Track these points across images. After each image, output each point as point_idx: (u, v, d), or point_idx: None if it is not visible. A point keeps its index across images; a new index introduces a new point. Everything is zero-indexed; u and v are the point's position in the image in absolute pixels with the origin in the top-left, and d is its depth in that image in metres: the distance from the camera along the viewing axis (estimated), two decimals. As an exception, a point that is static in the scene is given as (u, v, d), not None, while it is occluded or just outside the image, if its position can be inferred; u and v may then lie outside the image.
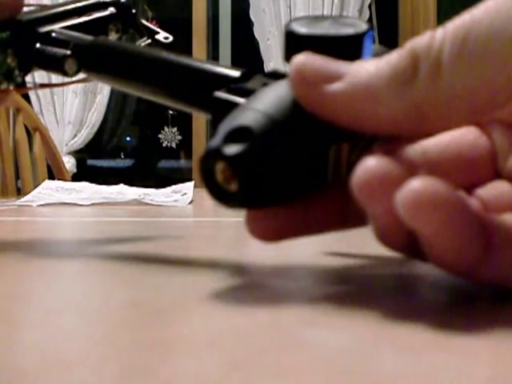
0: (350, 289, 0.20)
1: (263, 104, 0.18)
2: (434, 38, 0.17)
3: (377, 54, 0.21)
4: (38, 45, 0.31)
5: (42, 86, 0.38)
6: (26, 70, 0.32)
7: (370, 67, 0.17)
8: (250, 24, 2.32)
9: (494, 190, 0.21)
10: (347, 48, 0.19)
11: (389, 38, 2.25)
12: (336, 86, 0.17)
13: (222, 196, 0.18)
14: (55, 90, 2.52)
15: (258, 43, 2.30)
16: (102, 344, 0.13)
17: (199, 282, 0.20)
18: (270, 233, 0.20)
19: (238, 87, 0.22)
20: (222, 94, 0.22)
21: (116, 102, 2.83)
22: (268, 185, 0.18)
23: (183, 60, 0.27)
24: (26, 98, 2.13)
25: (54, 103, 2.53)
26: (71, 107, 2.50)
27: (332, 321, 0.15)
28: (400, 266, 0.25)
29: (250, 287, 0.21)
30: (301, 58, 0.18)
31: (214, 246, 0.35)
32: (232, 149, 0.17)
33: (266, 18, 2.30)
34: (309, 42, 0.20)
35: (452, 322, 0.15)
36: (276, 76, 0.23)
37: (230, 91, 0.22)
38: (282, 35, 0.22)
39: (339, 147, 0.19)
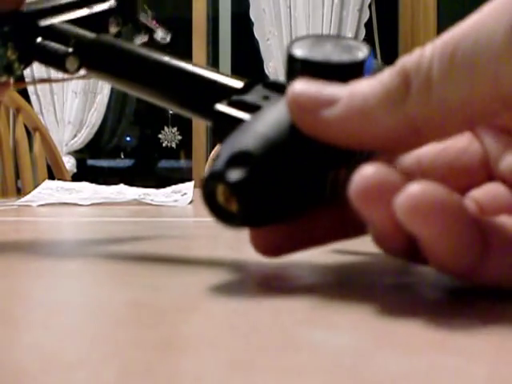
0: (350, 288, 0.20)
1: (264, 127, 0.19)
2: (423, 55, 0.17)
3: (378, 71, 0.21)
4: (39, 39, 0.31)
5: (42, 81, 0.38)
6: (27, 64, 0.32)
7: (363, 89, 0.18)
8: (249, 24, 2.32)
9: (488, 191, 0.21)
10: (348, 74, 0.19)
11: (389, 38, 2.25)
12: (332, 111, 0.18)
13: (223, 216, 0.19)
14: (55, 90, 2.52)
15: (257, 43, 2.30)
16: (102, 344, 0.13)
17: (199, 282, 0.20)
18: (273, 248, 0.21)
19: (239, 100, 0.22)
20: (223, 107, 0.22)
21: (116, 102, 2.83)
22: (267, 207, 0.19)
23: (186, 66, 0.27)
24: (26, 97, 2.13)
25: (54, 103, 2.53)
26: (71, 107, 2.50)
27: (332, 321, 0.15)
28: (400, 265, 0.25)
29: (250, 287, 0.21)
30: (297, 86, 0.19)
31: (214, 246, 0.35)
32: (233, 175, 0.18)
33: (266, 18, 2.30)
34: (310, 67, 0.21)
35: (452, 322, 0.15)
36: (276, 87, 0.23)
37: (230, 104, 0.22)
38: (285, 56, 0.22)
39: (337, 171, 0.20)
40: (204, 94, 0.26)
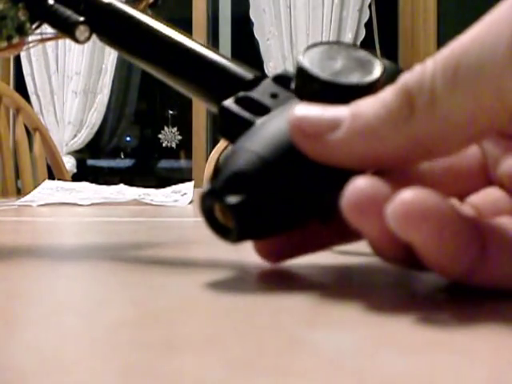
0: (350, 288, 0.20)
1: (263, 148, 0.19)
2: (424, 71, 0.17)
3: (388, 73, 0.21)
4: (50, 0, 0.31)
5: (43, 40, 0.37)
6: (38, 25, 0.32)
7: (365, 110, 0.18)
8: (249, 24, 2.32)
9: (486, 196, 0.21)
10: (357, 95, 0.19)
11: (389, 38, 2.25)
12: (335, 135, 0.18)
13: (221, 230, 0.20)
14: (55, 90, 2.52)
15: (257, 43, 2.30)
16: (102, 344, 0.13)
17: (199, 282, 0.20)
18: (275, 255, 0.22)
19: (246, 98, 0.22)
20: (230, 105, 0.22)
21: (116, 102, 2.83)
22: (263, 226, 0.20)
23: (198, 48, 0.27)
24: (26, 98, 2.13)
25: (54, 103, 2.52)
26: (71, 107, 2.50)
27: (332, 320, 0.15)
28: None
29: (250, 287, 0.21)
30: (298, 111, 0.19)
31: (214, 246, 0.34)
32: (230, 198, 0.19)
33: (266, 18, 2.30)
34: (319, 83, 0.21)
35: (452, 322, 0.15)
36: (283, 81, 0.23)
37: (238, 101, 0.22)
38: (294, 67, 0.22)
39: (336, 192, 0.20)
40: (212, 79, 0.26)
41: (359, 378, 0.11)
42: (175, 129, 2.72)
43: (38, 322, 0.15)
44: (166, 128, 2.73)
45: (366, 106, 0.18)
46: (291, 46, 2.23)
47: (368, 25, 2.24)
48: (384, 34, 2.27)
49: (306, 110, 0.19)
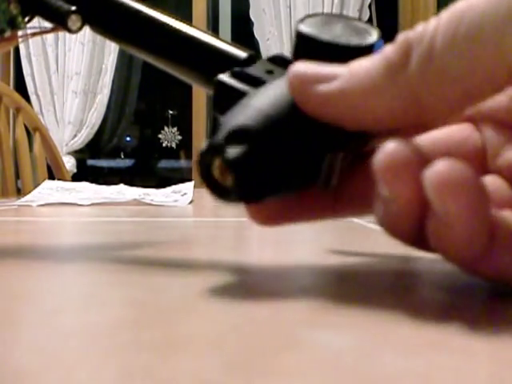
0: (350, 288, 0.20)
1: (265, 104, 0.19)
2: (427, 26, 0.17)
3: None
4: None
5: (34, 34, 0.37)
6: (30, 18, 0.32)
7: (364, 63, 0.18)
8: (249, 24, 2.32)
9: (488, 185, 0.21)
10: (355, 57, 0.19)
11: (389, 38, 2.25)
12: (332, 85, 0.18)
13: (218, 190, 0.19)
14: (55, 89, 2.52)
15: (257, 43, 2.30)
16: (102, 344, 0.13)
17: (199, 282, 0.20)
18: (268, 218, 0.21)
19: (242, 72, 0.22)
20: (225, 78, 0.22)
21: (116, 102, 2.83)
22: (262, 184, 0.19)
23: (191, 31, 0.27)
24: (26, 98, 2.13)
25: (54, 103, 2.53)
26: (71, 107, 2.50)
27: (332, 321, 0.15)
28: (400, 264, 0.25)
29: (250, 287, 0.21)
30: (297, 65, 0.19)
31: (214, 246, 0.35)
32: (231, 151, 0.18)
33: (266, 18, 2.30)
34: (318, 46, 0.21)
35: (452, 321, 0.15)
36: (279, 61, 0.23)
37: (233, 75, 0.22)
38: (293, 32, 0.22)
39: (334, 156, 0.19)
40: (207, 60, 0.25)
41: (359, 378, 0.11)
42: (175, 129, 2.72)
43: (38, 322, 0.15)
44: (166, 128, 2.73)
45: (365, 60, 0.18)
46: (291, 47, 2.23)
47: (368, 25, 2.24)
48: (384, 34, 2.26)
49: (305, 64, 0.19)
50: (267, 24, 2.30)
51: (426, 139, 0.22)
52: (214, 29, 2.50)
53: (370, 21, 2.24)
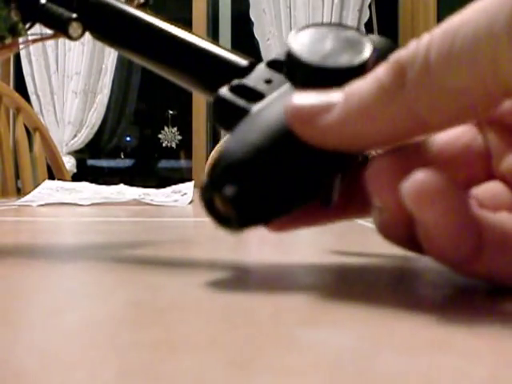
0: (350, 288, 0.20)
1: (260, 137, 0.19)
2: (419, 45, 0.17)
3: (377, 47, 0.21)
4: (42, 0, 0.31)
5: (35, 41, 0.37)
6: (31, 25, 0.32)
7: (358, 88, 0.18)
8: (249, 24, 2.32)
9: (488, 190, 0.21)
10: (350, 77, 0.19)
11: (389, 38, 2.25)
12: (330, 116, 0.18)
13: (222, 220, 0.20)
14: (55, 89, 2.52)
15: (257, 43, 2.30)
16: (102, 344, 0.13)
17: (199, 282, 0.20)
18: (278, 225, 0.22)
19: (241, 86, 0.22)
20: (225, 94, 0.22)
21: (116, 102, 2.83)
22: (263, 212, 0.20)
23: (191, 39, 0.27)
24: (26, 98, 2.13)
25: (54, 103, 2.53)
26: (71, 107, 2.50)
27: (332, 320, 0.15)
28: (400, 264, 0.25)
29: (250, 286, 0.21)
30: (293, 100, 0.19)
31: (214, 246, 0.35)
32: (229, 190, 0.19)
33: (266, 18, 2.30)
34: (310, 69, 0.21)
35: (452, 321, 0.15)
36: (277, 67, 0.23)
37: (232, 90, 0.22)
38: (284, 51, 0.22)
39: (332, 178, 0.20)
40: (207, 68, 0.26)
41: (359, 378, 0.11)
42: (175, 129, 2.72)
43: (38, 322, 0.15)
44: (165, 128, 2.73)
45: (359, 85, 0.18)
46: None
47: (368, 25, 2.24)
48: (384, 34, 2.26)
49: (300, 98, 0.19)
50: (267, 24, 2.30)
51: (430, 143, 0.22)
52: (213, 29, 2.50)
53: (370, 21, 2.24)
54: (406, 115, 0.17)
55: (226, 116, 0.22)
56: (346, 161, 0.20)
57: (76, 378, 0.11)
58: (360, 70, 0.20)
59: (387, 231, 0.19)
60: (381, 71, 0.18)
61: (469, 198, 0.17)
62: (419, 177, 0.16)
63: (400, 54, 0.17)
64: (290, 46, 0.22)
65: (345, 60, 0.21)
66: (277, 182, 0.19)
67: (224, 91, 0.22)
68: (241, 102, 0.22)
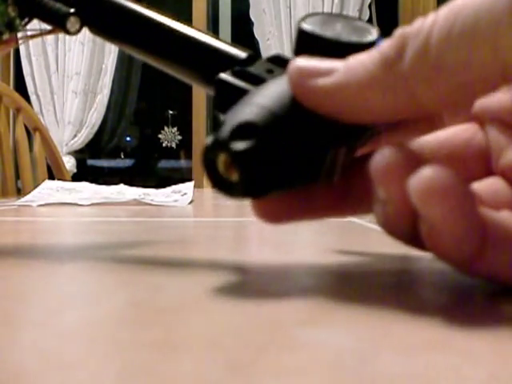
0: (350, 288, 0.20)
1: (268, 101, 0.19)
2: (424, 21, 0.17)
3: None
4: None
5: (33, 36, 0.37)
6: (28, 20, 0.32)
7: (361, 57, 0.18)
8: (250, 24, 2.32)
9: (488, 186, 0.21)
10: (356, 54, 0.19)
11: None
12: (331, 78, 0.18)
13: (223, 185, 0.19)
14: (55, 89, 2.52)
15: (257, 43, 2.30)
16: (102, 344, 0.13)
17: (199, 282, 0.20)
18: (274, 216, 0.21)
19: (243, 71, 0.22)
20: (226, 77, 0.22)
21: (116, 102, 2.83)
22: (267, 179, 0.19)
23: (190, 32, 0.27)
24: (26, 98, 2.13)
25: (54, 103, 2.53)
26: (71, 107, 2.50)
27: (332, 320, 0.15)
28: (400, 265, 0.25)
29: (250, 287, 0.21)
30: (297, 60, 0.19)
31: (214, 246, 0.35)
32: (238, 145, 0.18)
33: (266, 18, 2.30)
34: (320, 43, 0.21)
35: (451, 321, 0.15)
36: (279, 61, 0.23)
37: (234, 74, 0.22)
38: (295, 31, 0.22)
39: (337, 151, 0.20)
40: (207, 61, 0.25)
41: (359, 378, 0.11)
42: (175, 129, 2.72)
43: (38, 322, 0.15)
44: (166, 128, 2.73)
45: (362, 55, 0.18)
46: (291, 46, 2.23)
47: (368, 25, 2.24)
48: (384, 34, 2.26)
49: (304, 60, 0.19)
50: (267, 24, 2.30)
51: (430, 139, 0.22)
52: (214, 29, 2.50)
53: (370, 21, 2.24)
54: (401, 87, 0.17)
55: (228, 99, 0.21)
56: (350, 134, 0.20)
57: (76, 378, 0.11)
58: (368, 47, 0.20)
59: (390, 226, 0.19)
60: (385, 44, 0.18)
61: (475, 196, 0.17)
62: (427, 173, 0.16)
63: (405, 29, 0.17)
64: (302, 25, 0.22)
65: (355, 38, 0.21)
66: (285, 147, 0.19)
67: (225, 75, 0.22)
68: (242, 83, 0.22)
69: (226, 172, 0.18)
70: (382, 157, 0.17)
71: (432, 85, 0.17)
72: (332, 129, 0.19)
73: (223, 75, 0.22)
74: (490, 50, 0.16)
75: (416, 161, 0.17)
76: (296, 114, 0.19)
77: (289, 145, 0.19)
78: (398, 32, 0.17)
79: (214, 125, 0.20)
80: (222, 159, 0.18)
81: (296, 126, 0.19)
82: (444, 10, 0.17)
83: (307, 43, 0.21)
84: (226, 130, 0.18)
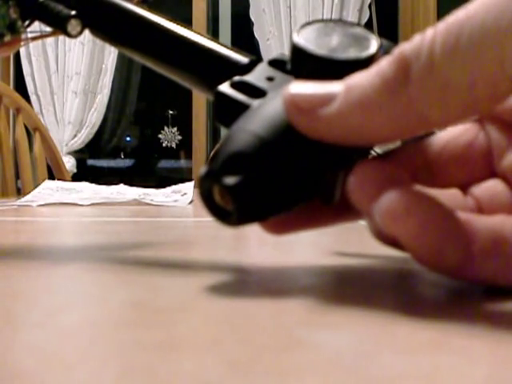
0: (350, 288, 0.20)
1: (261, 127, 0.19)
2: (423, 39, 0.17)
3: (386, 51, 0.21)
4: None
5: (34, 38, 0.37)
6: (30, 22, 0.32)
7: (360, 81, 0.17)
8: (250, 24, 2.32)
9: (488, 189, 0.21)
10: (353, 71, 0.18)
11: (389, 38, 2.25)
12: (330, 108, 0.18)
13: (220, 214, 0.19)
14: (55, 89, 2.52)
15: (257, 43, 2.30)
16: (102, 344, 0.13)
17: (199, 282, 0.20)
18: (278, 228, 0.21)
19: (242, 82, 0.22)
20: (225, 90, 0.22)
21: (116, 102, 2.83)
22: (262, 206, 0.19)
23: (192, 36, 0.26)
24: (26, 98, 2.13)
25: (54, 103, 2.53)
26: (71, 107, 2.50)
27: (332, 321, 0.15)
28: (399, 265, 0.25)
29: (250, 287, 0.21)
30: (292, 88, 0.18)
31: (214, 245, 0.35)
32: (229, 179, 0.18)
33: (266, 18, 2.30)
34: (314, 61, 0.21)
35: (451, 321, 0.15)
36: (279, 65, 0.23)
37: (233, 86, 0.22)
38: (289, 46, 0.22)
39: (335, 173, 0.20)
40: (208, 66, 0.25)
41: (359, 378, 0.11)
42: (175, 129, 2.72)
43: (38, 322, 0.15)
44: (166, 128, 2.73)
45: (361, 77, 0.17)
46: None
47: (368, 25, 2.24)
48: (384, 34, 2.26)
49: (299, 87, 0.18)
50: (267, 24, 2.29)
51: (431, 145, 0.22)
52: (213, 29, 2.50)
53: (370, 21, 2.24)
54: (407, 111, 0.17)
55: (227, 112, 0.21)
56: (350, 157, 0.19)
57: (76, 378, 0.11)
58: (367, 63, 0.20)
59: (379, 236, 0.20)
60: (384, 64, 0.17)
61: (448, 207, 0.17)
62: (387, 198, 0.16)
63: (404, 47, 0.17)
64: (296, 40, 0.21)
65: (352, 53, 0.21)
66: (279, 175, 0.18)
67: (224, 87, 0.22)
68: (241, 97, 0.21)
69: (222, 201, 0.19)
70: (358, 173, 0.17)
71: (441, 105, 0.16)
72: (327, 152, 0.19)
73: (222, 88, 0.22)
74: (497, 65, 0.15)
75: (389, 179, 0.17)
76: (289, 141, 0.18)
77: (282, 172, 0.19)
78: (398, 51, 0.17)
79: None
80: (217, 189, 0.19)
81: (290, 153, 0.19)
82: (443, 25, 0.16)
83: (301, 60, 0.21)
84: (217, 162, 0.18)
